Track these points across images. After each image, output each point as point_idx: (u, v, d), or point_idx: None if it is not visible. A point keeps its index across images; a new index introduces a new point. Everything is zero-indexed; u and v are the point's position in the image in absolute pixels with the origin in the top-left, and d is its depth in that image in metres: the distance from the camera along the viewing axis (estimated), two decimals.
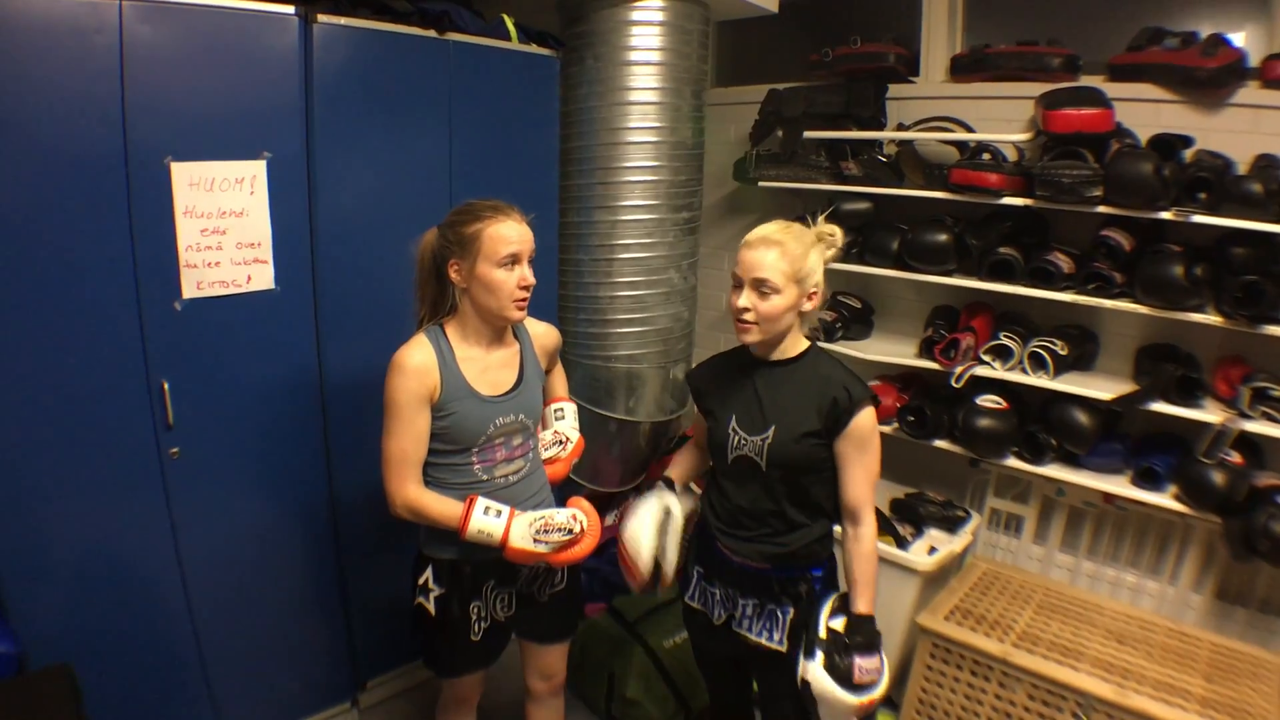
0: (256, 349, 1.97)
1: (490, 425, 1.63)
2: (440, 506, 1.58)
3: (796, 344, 1.62)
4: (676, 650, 2.39)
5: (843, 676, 1.52)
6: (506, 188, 1.82)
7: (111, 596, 1.84)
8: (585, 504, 1.66)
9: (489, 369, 1.66)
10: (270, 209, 1.92)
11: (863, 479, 1.59)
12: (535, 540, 1.55)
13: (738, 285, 1.57)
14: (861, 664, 1.53)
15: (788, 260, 1.52)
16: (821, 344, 1.71)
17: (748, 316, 1.55)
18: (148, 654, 1.92)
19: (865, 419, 1.56)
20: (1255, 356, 2.25)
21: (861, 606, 1.58)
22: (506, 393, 1.67)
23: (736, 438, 1.62)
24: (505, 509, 1.57)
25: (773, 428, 1.58)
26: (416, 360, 1.56)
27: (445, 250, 1.60)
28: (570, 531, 1.57)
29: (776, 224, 1.58)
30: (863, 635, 1.56)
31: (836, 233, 1.59)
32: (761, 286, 1.53)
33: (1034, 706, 2.10)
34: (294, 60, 1.90)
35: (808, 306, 1.57)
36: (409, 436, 1.57)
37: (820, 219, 1.62)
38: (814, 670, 1.54)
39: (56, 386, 1.68)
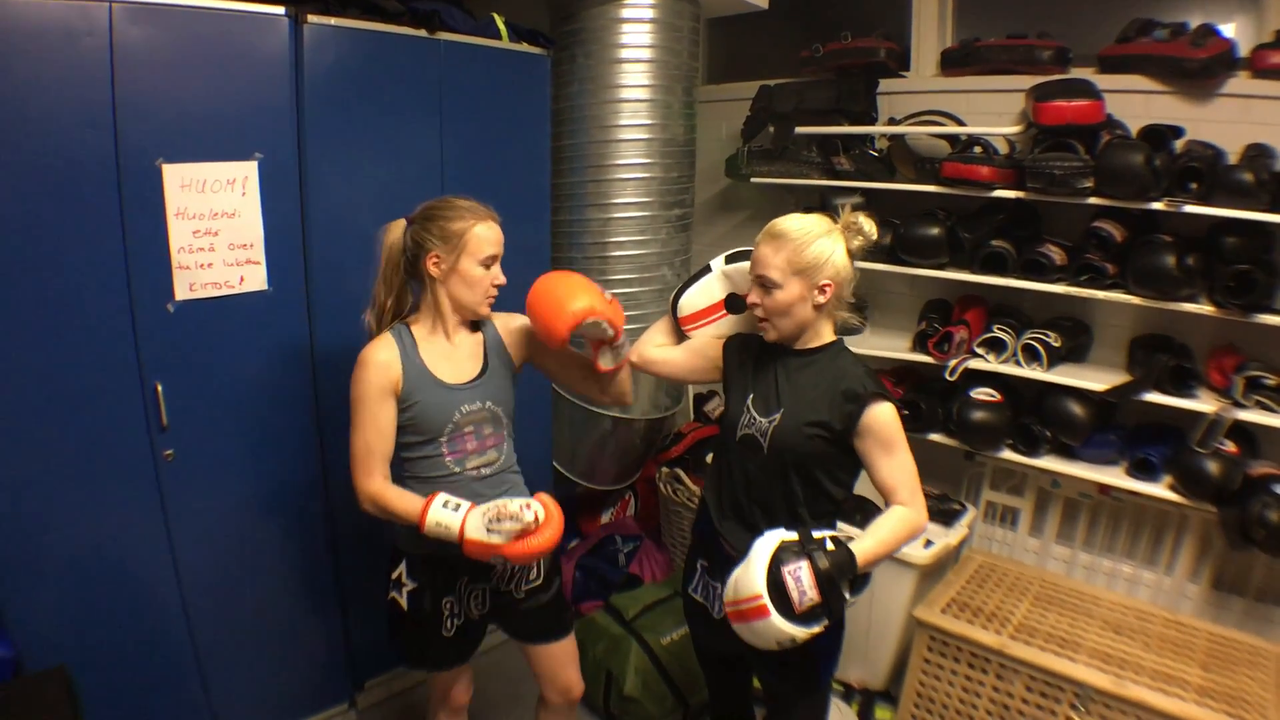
0: (250, 349, 1.97)
1: (455, 412, 1.64)
2: (402, 501, 1.58)
3: (820, 336, 1.61)
4: (674, 647, 2.39)
5: (778, 570, 1.37)
6: (498, 186, 1.82)
7: (107, 599, 1.84)
8: (546, 497, 1.58)
9: (451, 358, 1.67)
10: (262, 210, 1.91)
11: (893, 470, 1.51)
12: (489, 530, 1.47)
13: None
14: (802, 581, 1.35)
15: (786, 254, 1.51)
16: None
17: (758, 313, 1.57)
18: (144, 656, 1.92)
19: (881, 414, 1.51)
20: (1248, 345, 2.26)
21: (857, 548, 1.42)
22: (471, 380, 1.68)
23: (748, 416, 1.61)
24: (465, 503, 1.52)
25: (781, 411, 1.57)
26: (379, 355, 1.60)
27: (426, 242, 1.61)
28: (521, 520, 1.47)
29: (792, 215, 1.56)
30: (832, 563, 1.37)
31: (861, 221, 1.55)
32: (763, 282, 1.54)
33: (1032, 698, 2.10)
34: (284, 61, 1.90)
35: (820, 300, 1.54)
36: (373, 429, 1.60)
37: (846, 208, 1.60)
38: (768, 540, 1.43)
39: (49, 389, 1.68)
